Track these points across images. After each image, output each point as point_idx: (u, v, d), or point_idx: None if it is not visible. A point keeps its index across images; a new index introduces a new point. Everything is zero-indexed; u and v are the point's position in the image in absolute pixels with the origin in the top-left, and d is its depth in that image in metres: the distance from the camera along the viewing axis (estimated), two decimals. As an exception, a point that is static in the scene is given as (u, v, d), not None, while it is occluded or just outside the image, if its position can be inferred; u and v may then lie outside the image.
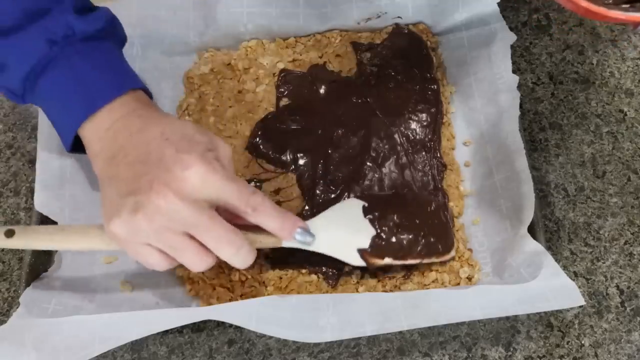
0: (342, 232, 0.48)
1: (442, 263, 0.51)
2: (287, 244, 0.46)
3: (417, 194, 0.52)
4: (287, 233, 0.44)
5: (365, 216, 0.49)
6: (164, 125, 0.41)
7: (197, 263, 0.41)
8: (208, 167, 0.39)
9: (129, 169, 0.40)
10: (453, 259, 0.50)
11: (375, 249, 0.48)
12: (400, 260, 0.49)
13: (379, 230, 0.48)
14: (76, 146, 0.45)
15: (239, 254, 0.41)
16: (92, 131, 0.43)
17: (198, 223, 0.39)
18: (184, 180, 0.38)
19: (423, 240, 0.49)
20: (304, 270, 0.51)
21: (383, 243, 0.48)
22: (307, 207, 0.53)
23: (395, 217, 0.49)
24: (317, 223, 0.47)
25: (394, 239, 0.49)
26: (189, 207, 0.38)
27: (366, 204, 0.50)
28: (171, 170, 0.38)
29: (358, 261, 0.48)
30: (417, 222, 0.50)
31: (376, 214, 0.49)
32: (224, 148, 0.43)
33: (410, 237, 0.49)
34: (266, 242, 0.45)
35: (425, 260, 0.49)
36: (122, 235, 0.39)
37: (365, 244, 0.48)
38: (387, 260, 0.48)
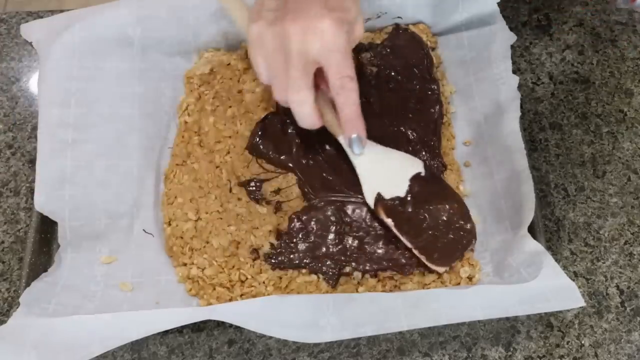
0: (384, 171, 0.50)
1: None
2: (341, 140, 0.50)
3: (463, 209, 0.52)
4: (349, 128, 0.48)
5: (410, 180, 0.51)
6: None
7: (279, 91, 0.46)
8: (337, 30, 0.43)
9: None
10: (441, 274, 0.50)
11: (390, 206, 0.49)
12: (399, 233, 0.49)
13: (407, 198, 0.50)
14: None
15: (301, 106, 0.46)
16: None
17: (294, 63, 0.44)
18: (312, 25, 0.43)
19: (429, 238, 0.50)
20: (304, 271, 0.51)
21: (399, 208, 0.49)
22: (306, 207, 0.53)
23: (428, 206, 0.50)
24: (375, 149, 0.50)
25: (410, 214, 0.50)
26: (298, 48, 0.43)
27: (423, 172, 0.51)
28: (307, 13, 0.43)
29: (370, 199, 0.50)
30: (440, 226, 0.50)
31: (420, 185, 0.50)
32: (359, 29, 0.47)
33: (424, 226, 0.50)
34: (330, 124, 0.49)
35: (416, 254, 0.49)
36: (254, 34, 0.46)
37: (388, 195, 0.50)
38: (389, 221, 0.49)
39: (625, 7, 0.41)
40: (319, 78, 0.47)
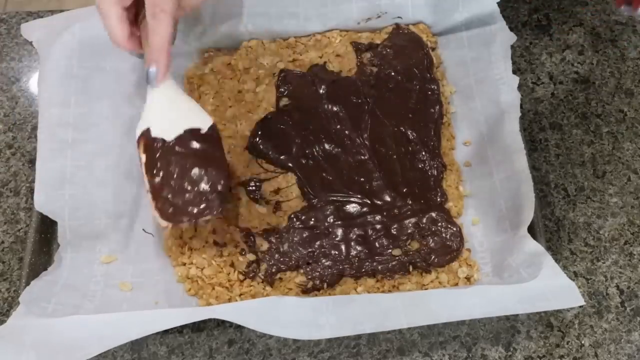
0: (167, 112, 0.49)
1: (441, 264, 0.51)
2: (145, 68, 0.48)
3: (219, 174, 0.49)
4: (150, 58, 0.47)
5: (187, 129, 0.49)
6: None
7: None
8: None
9: None
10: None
11: (150, 144, 0.48)
12: (144, 171, 0.48)
13: (173, 144, 0.48)
14: None
15: (104, 19, 0.46)
16: None
17: None
18: None
19: (168, 190, 0.48)
20: (302, 271, 0.51)
21: (158, 149, 0.48)
22: (306, 207, 0.53)
23: (184, 159, 0.48)
24: (171, 91, 0.49)
25: (161, 162, 0.48)
26: None
27: (203, 130, 0.49)
28: None
29: (138, 129, 0.48)
30: (186, 180, 0.48)
31: (188, 142, 0.49)
32: None
33: (170, 173, 0.48)
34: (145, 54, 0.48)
35: (148, 197, 0.48)
36: None
37: (155, 133, 0.48)
38: (142, 157, 0.48)
39: (628, 14, 0.41)
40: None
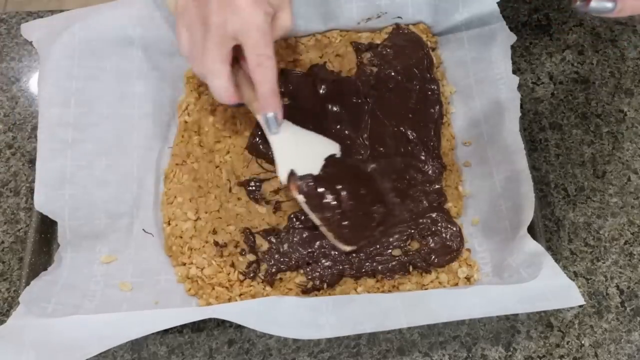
0: (299, 150, 0.51)
1: (441, 264, 0.51)
2: (259, 118, 0.50)
3: (382, 195, 0.53)
4: (265, 106, 0.48)
5: (325, 159, 0.52)
6: None
7: (196, 64, 0.47)
8: (252, 10, 0.43)
9: None
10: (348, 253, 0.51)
11: (301, 183, 0.50)
12: (309, 207, 0.50)
13: (319, 175, 0.51)
14: None
15: (215, 79, 0.46)
16: None
17: (211, 37, 0.44)
18: (229, 5, 0.43)
19: (338, 217, 0.50)
20: (302, 271, 0.51)
21: (311, 185, 0.50)
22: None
23: (341, 182, 0.51)
24: (291, 128, 0.51)
25: (321, 192, 0.50)
26: (217, 24, 0.44)
27: (338, 155, 0.53)
28: None
29: (283, 176, 0.50)
30: (351, 203, 0.51)
31: (334, 166, 0.52)
32: (286, 17, 0.47)
33: (334, 204, 0.50)
34: (249, 102, 0.50)
35: (323, 229, 0.50)
36: (179, 8, 0.47)
37: (300, 172, 0.50)
38: (300, 197, 0.50)
39: (582, 10, 0.41)
40: (242, 56, 0.48)
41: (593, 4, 0.41)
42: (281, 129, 0.50)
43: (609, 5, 0.41)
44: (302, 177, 0.50)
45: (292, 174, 0.50)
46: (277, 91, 0.47)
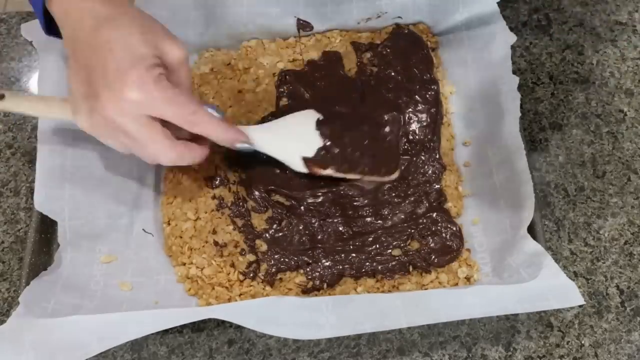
0: (289, 139, 0.51)
1: (441, 264, 0.51)
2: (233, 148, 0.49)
3: (373, 116, 0.55)
4: (229, 143, 0.47)
5: (317, 128, 0.52)
6: (111, 32, 0.42)
7: (147, 159, 0.45)
8: (146, 88, 0.41)
9: (83, 70, 0.42)
10: (395, 181, 0.53)
11: (319, 159, 0.51)
12: (343, 173, 0.51)
13: (327, 143, 0.52)
14: (54, 30, 0.46)
15: (183, 158, 0.45)
16: (58, 6, 0.43)
17: (138, 136, 0.43)
18: (123, 99, 0.41)
19: (368, 159, 0.52)
20: (301, 271, 0.51)
21: (328, 155, 0.51)
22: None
23: (345, 133, 0.52)
24: (265, 131, 0.51)
25: (339, 152, 0.52)
26: (130, 123, 0.42)
27: (321, 117, 0.53)
28: (112, 87, 0.41)
29: (301, 167, 0.51)
30: (366, 141, 0.53)
31: (328, 127, 0.52)
32: (173, 53, 0.44)
33: (357, 154, 0.52)
34: (212, 143, 0.48)
35: (367, 178, 0.52)
36: (86, 128, 0.44)
37: (310, 153, 0.51)
38: (329, 171, 0.51)
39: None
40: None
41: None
42: (256, 138, 0.50)
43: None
44: (316, 155, 0.51)
45: (305, 160, 0.51)
46: (224, 126, 0.46)
